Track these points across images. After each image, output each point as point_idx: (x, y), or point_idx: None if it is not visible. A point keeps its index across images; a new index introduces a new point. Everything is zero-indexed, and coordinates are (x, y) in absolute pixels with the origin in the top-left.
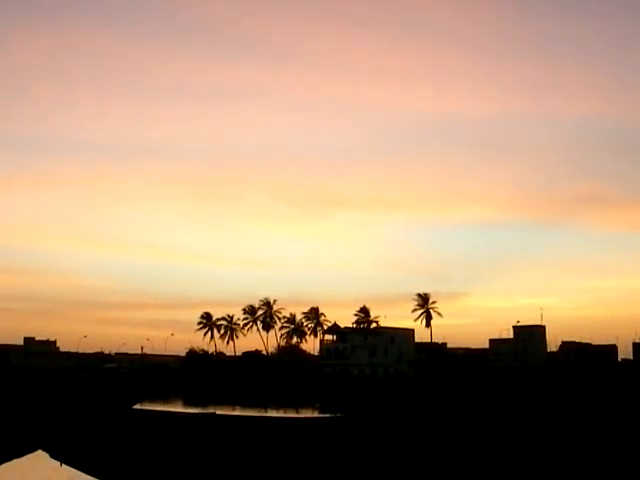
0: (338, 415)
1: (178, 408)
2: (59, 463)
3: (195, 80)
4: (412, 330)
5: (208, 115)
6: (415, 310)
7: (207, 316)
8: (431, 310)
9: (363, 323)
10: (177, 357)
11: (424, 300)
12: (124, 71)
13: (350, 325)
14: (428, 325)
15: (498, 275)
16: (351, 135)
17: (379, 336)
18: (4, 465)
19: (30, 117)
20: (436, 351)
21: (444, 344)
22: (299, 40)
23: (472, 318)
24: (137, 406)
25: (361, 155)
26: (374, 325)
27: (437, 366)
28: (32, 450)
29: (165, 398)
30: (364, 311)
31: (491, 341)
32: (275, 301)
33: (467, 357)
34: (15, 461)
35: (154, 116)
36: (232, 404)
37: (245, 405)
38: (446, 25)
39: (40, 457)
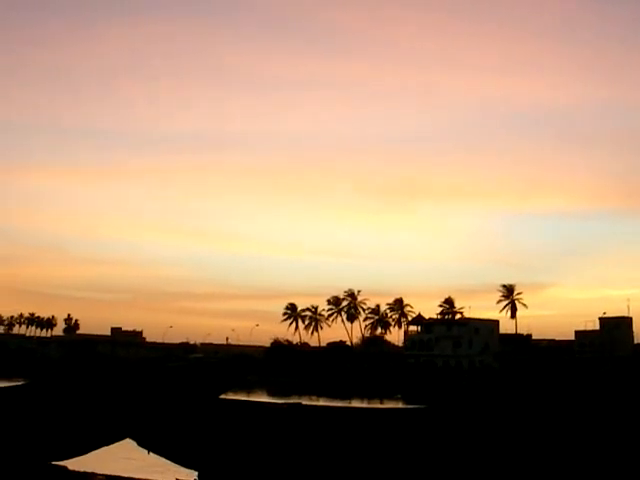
0: (422, 406)
1: (263, 398)
2: (146, 451)
3: (276, 71)
4: (497, 321)
5: (289, 106)
6: (500, 301)
7: (292, 307)
8: (516, 301)
9: (447, 314)
10: (262, 348)
11: (509, 291)
12: (204, 63)
13: (434, 316)
14: (513, 316)
15: (582, 266)
16: (432, 125)
17: (463, 327)
18: (93, 452)
19: (112, 110)
20: (521, 342)
21: (529, 335)
22: (379, 29)
23: (557, 309)
24: (223, 396)
25: (443, 145)
26: (458, 316)
27: (522, 358)
28: (120, 438)
29: (250, 388)
30: (448, 302)
31: (577, 333)
32: (359, 292)
33: (552, 349)
34: (104, 449)
35: (235, 108)
36: (316, 395)
37: (329, 396)
38: (527, 14)
39: (128, 445)
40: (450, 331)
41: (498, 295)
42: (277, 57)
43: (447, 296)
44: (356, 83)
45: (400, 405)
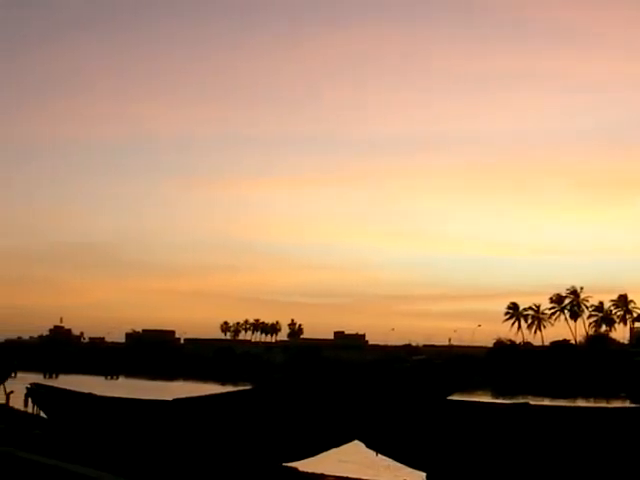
0: None
1: (487, 399)
2: (375, 453)
3: (479, 67)
4: None
5: (494, 103)
6: None
7: (514, 306)
8: None
9: None
10: (484, 348)
11: None
12: (410, 65)
13: None
14: None
15: None
16: None
17: None
18: (324, 454)
19: (323, 115)
20: None
21: None
22: (582, 21)
23: None
24: (450, 397)
25: None
26: None
27: None
28: (349, 440)
29: (474, 389)
30: None
31: None
32: (582, 289)
33: None
34: (333, 450)
35: (442, 107)
36: (541, 394)
37: (554, 395)
38: None
39: (356, 447)
40: None
41: None
42: (482, 53)
43: None
44: (562, 76)
45: (626, 404)
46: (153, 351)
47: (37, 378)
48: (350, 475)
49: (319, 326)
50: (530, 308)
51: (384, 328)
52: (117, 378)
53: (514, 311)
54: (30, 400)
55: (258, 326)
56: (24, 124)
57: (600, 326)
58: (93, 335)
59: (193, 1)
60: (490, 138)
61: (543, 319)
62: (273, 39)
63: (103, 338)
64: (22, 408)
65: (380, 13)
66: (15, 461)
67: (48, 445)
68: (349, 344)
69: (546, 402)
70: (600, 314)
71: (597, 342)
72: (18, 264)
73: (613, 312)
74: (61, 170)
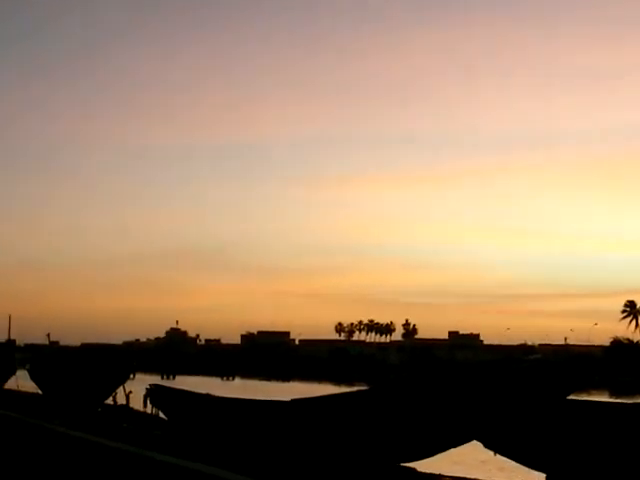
0: None
1: (605, 398)
2: (492, 453)
3: (595, 62)
4: None
5: (611, 98)
6: None
7: (631, 304)
8: None
9: None
10: (601, 347)
11: None
12: (522, 59)
13: None
14: None
15: None
16: None
17: None
18: (441, 454)
19: (430, 113)
20: None
21: None
22: None
23: None
24: (569, 397)
25: None
26: None
27: None
28: (467, 440)
29: (592, 389)
30: None
31: None
32: None
33: None
34: (451, 450)
35: (562, 101)
36: None
37: None
38: None
39: (474, 447)
40: None
41: None
42: (597, 50)
43: None
44: None
45: None
46: (268, 352)
47: (155, 379)
48: (467, 476)
49: (433, 326)
50: None
51: (499, 328)
52: (233, 379)
53: (631, 309)
54: (149, 401)
55: (372, 326)
56: (141, 130)
57: None
58: (209, 337)
59: (306, 1)
60: (603, 135)
61: None
62: (383, 37)
63: (219, 340)
64: (141, 408)
65: (488, 10)
66: (148, 462)
67: (169, 446)
68: (464, 344)
69: None
70: None
71: None
72: (135, 268)
73: None
74: (180, 174)
